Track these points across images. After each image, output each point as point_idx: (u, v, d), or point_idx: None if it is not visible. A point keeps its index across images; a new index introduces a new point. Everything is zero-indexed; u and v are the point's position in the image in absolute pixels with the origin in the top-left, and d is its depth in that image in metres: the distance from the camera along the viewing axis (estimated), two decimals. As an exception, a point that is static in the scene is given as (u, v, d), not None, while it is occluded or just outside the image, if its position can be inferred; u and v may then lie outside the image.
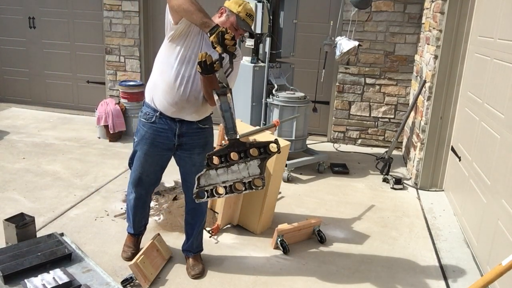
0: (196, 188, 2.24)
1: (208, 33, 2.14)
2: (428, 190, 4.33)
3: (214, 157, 2.23)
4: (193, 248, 2.91)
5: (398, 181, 4.38)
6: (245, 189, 2.29)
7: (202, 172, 2.22)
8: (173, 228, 3.38)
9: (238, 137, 2.27)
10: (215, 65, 2.20)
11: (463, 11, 3.90)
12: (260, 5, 4.30)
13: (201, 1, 2.28)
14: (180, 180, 2.90)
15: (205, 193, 2.26)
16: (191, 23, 2.32)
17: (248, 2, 2.52)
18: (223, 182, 2.26)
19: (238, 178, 2.27)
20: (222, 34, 2.12)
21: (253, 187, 2.29)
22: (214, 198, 2.38)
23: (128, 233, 3.02)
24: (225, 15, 2.46)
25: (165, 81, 2.48)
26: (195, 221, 2.86)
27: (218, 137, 3.44)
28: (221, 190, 2.28)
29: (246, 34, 2.78)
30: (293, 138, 4.50)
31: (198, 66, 2.22)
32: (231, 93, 2.31)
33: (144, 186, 2.81)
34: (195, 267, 2.83)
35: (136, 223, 2.95)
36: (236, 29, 2.44)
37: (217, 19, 2.46)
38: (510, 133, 2.74)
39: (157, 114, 2.58)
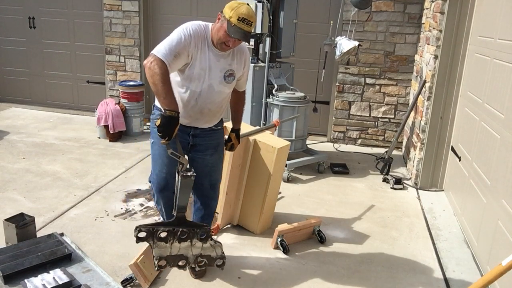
0: (156, 259, 2.30)
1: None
2: (428, 190, 4.33)
3: (162, 231, 2.31)
4: None
5: (398, 181, 4.38)
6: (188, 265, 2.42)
7: (153, 245, 2.30)
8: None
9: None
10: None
11: (463, 11, 3.90)
12: (260, 5, 4.30)
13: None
14: None
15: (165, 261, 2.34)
16: (188, 54, 2.36)
17: (246, 4, 2.37)
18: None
19: (184, 254, 2.37)
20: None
21: (197, 265, 2.42)
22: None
23: None
24: (221, 20, 2.39)
25: (176, 97, 2.41)
26: (202, 221, 2.85)
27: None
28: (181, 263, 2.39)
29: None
30: (293, 138, 4.50)
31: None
32: (193, 176, 2.33)
33: (170, 187, 2.67)
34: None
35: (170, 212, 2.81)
36: (232, 37, 2.34)
37: (216, 25, 2.42)
38: (510, 133, 2.74)
39: None
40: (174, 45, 2.31)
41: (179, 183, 2.31)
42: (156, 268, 2.32)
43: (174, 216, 2.36)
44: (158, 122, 2.23)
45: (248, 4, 2.40)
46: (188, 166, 2.32)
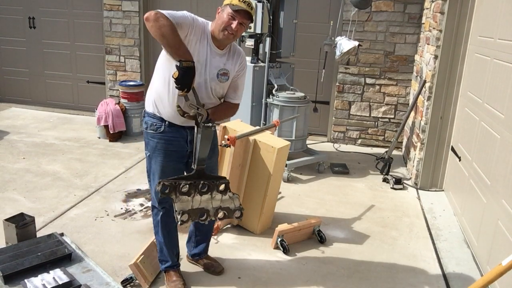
0: (178, 214, 2.22)
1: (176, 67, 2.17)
2: (428, 190, 4.33)
3: (184, 184, 2.26)
4: (206, 250, 2.94)
5: (398, 181, 4.38)
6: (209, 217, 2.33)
7: (175, 199, 2.23)
8: (173, 228, 3.38)
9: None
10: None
11: (463, 11, 3.90)
12: (260, 5, 4.30)
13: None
14: None
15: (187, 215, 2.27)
16: (186, 34, 2.29)
17: None
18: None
19: (205, 207, 2.30)
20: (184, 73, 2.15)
21: (217, 217, 2.34)
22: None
23: (166, 271, 2.74)
24: (221, 11, 2.39)
25: (173, 92, 2.37)
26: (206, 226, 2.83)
27: (219, 137, 3.44)
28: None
29: (247, 32, 2.68)
30: (293, 138, 4.50)
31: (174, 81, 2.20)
32: (214, 127, 2.28)
33: (168, 199, 2.56)
34: (216, 264, 2.90)
35: (173, 248, 2.73)
36: (234, 18, 2.33)
37: (216, 20, 2.40)
38: (510, 133, 2.74)
39: (166, 123, 2.45)
40: (177, 16, 2.25)
41: (199, 136, 2.27)
42: (179, 223, 2.24)
43: (194, 170, 2.31)
44: (176, 74, 2.16)
45: None
46: (207, 118, 2.27)
